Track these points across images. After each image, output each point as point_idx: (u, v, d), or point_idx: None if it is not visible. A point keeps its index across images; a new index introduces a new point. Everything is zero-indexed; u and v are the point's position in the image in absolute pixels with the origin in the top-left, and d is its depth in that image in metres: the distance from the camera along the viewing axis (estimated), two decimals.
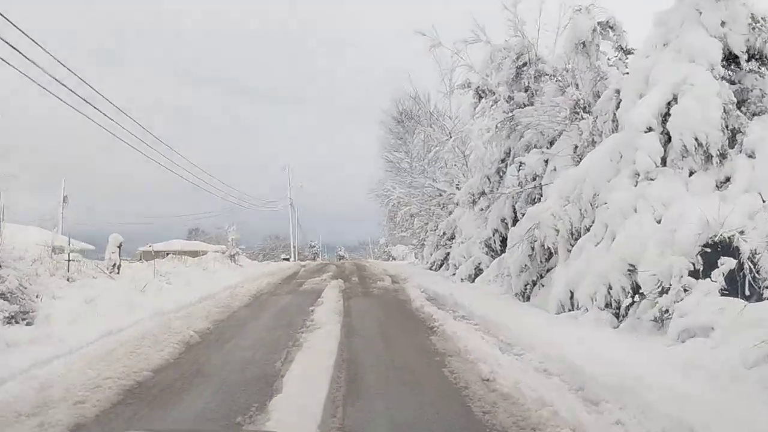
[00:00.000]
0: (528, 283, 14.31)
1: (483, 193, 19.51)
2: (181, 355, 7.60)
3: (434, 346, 8.00)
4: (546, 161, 15.98)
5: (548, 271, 14.36)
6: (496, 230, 18.28)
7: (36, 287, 12.65)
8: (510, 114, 17.76)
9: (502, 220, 18.13)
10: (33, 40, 14.16)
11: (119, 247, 19.12)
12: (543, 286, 14.12)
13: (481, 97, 19.29)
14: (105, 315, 11.49)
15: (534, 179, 16.22)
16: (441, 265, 28.26)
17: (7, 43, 13.17)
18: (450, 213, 26.32)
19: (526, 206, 16.72)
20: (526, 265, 14.20)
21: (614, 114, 12.86)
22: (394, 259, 78.45)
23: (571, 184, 12.76)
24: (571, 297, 11.24)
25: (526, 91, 18.39)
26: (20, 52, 14.06)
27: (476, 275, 18.28)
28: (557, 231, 12.75)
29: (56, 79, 16.50)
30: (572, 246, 12.42)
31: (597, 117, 13.36)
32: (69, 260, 15.93)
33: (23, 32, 13.71)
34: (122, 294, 14.69)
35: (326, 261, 63.49)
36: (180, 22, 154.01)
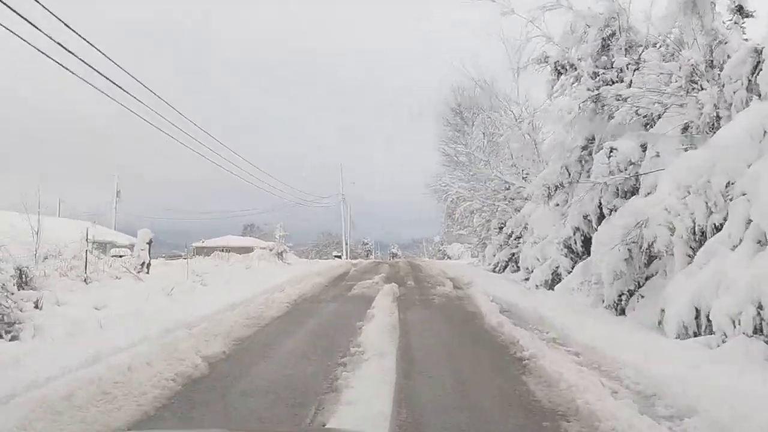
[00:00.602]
0: (623, 294, 11.65)
1: (560, 186, 16.73)
2: (166, 405, 5.26)
3: (533, 396, 5.43)
4: (644, 146, 13.17)
5: (647, 279, 11.67)
6: (578, 229, 15.50)
7: (31, 293, 10.71)
8: (596, 92, 15.00)
9: (585, 217, 15.35)
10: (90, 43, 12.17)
11: (149, 243, 17.16)
12: (642, 297, 11.41)
13: (560, 74, 16.51)
14: (108, 327, 9.37)
15: (627, 168, 13.45)
16: (505, 267, 25.53)
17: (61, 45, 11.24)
18: (517, 209, 23.56)
19: (614, 200, 14.02)
20: (621, 272, 11.51)
21: (749, 80, 10.01)
22: (449, 258, 75.63)
23: (691, 171, 9.92)
24: (697, 316, 8.55)
25: (612, 66, 15.63)
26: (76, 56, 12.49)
27: (554, 281, 15.53)
28: (672, 230, 9.98)
29: (112, 81, 14.74)
30: (694, 250, 9.68)
31: (723, 86, 10.49)
32: (87, 258, 13.95)
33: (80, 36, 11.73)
34: (141, 299, 12.62)
35: (379, 259, 61.19)
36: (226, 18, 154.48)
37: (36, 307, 10.66)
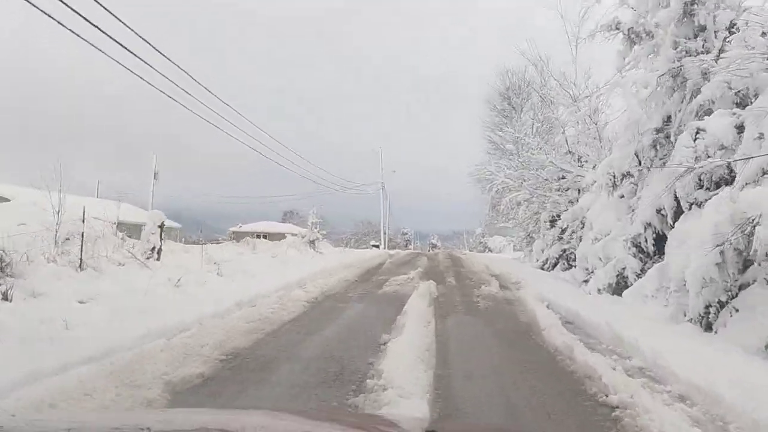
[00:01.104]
0: (710, 305, 9.40)
1: (628, 174, 14.41)
2: None
3: None
4: (739, 127, 10.82)
5: (740, 288, 9.40)
6: (649, 224, 13.22)
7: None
8: (677, 64, 12.64)
9: (659, 211, 13.08)
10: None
11: (161, 227, 15.41)
12: (737, 310, 9.15)
13: (633, 43, 14.14)
14: (76, 328, 7.56)
15: (716, 152, 11.13)
16: (555, 264, 23.14)
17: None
18: (572, 201, 21.19)
19: (696, 192, 11.76)
20: (711, 278, 9.27)
21: None
22: (490, 251, 72.99)
23: None
24: None
25: (696, 35, 13.27)
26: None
27: (619, 284, 13.21)
28: None
29: (150, 66, 13.44)
30: None
31: None
32: (83, 241, 12.19)
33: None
34: (141, 290, 10.84)
35: (418, 250, 58.99)
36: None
37: (5, 298, 8.99)
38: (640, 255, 13.36)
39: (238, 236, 65.74)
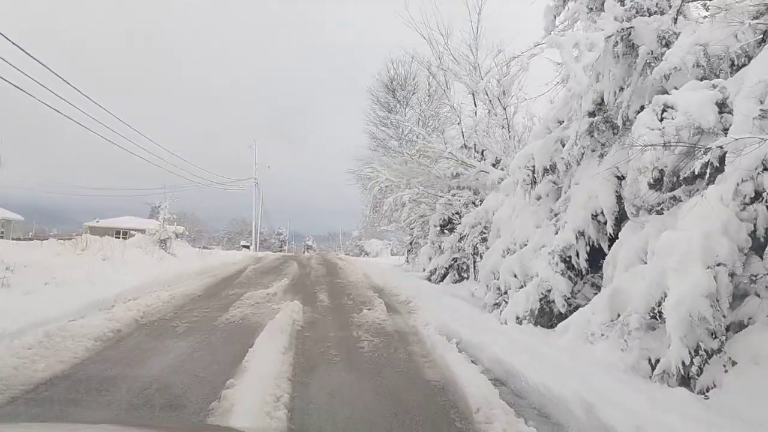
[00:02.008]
0: (696, 354, 6.30)
1: (551, 169, 11.24)
2: None
3: None
4: (722, 103, 7.79)
5: (727, 329, 6.45)
6: (582, 233, 10.11)
7: None
8: (627, 25, 9.58)
9: (595, 217, 10.01)
10: None
11: None
12: (734, 363, 6.13)
13: None
14: None
15: (692, 137, 8.05)
16: (444, 275, 19.92)
17: None
18: (468, 204, 18.04)
19: (654, 193, 8.78)
20: (702, 317, 6.21)
21: None
22: (367, 254, 69.85)
23: None
24: None
25: None
26: None
27: (544, 311, 9.93)
28: None
29: None
30: None
31: None
32: None
33: None
34: None
35: (292, 253, 54.38)
36: None
37: None
38: (570, 273, 10.17)
39: (94, 232, 58.52)
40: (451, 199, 18.75)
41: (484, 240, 15.38)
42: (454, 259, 19.65)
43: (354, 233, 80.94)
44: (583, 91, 9.15)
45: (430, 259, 21.18)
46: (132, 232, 55.06)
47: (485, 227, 14.13)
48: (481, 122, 16.46)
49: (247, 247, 61.20)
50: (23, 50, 16.29)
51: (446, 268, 19.89)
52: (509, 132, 14.28)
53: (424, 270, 21.38)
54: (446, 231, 19.59)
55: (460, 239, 16.57)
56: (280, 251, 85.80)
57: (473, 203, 17.86)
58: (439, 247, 20.46)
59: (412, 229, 24.60)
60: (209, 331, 8.27)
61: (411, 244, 24.75)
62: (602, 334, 8.00)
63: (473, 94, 17.38)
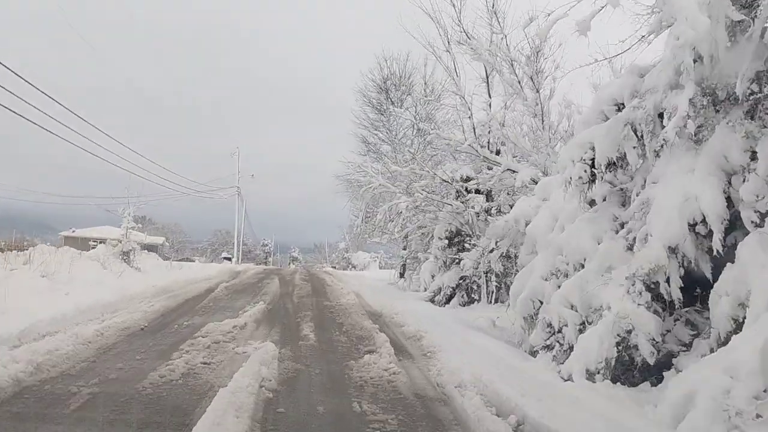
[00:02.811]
0: None
1: (618, 162, 8.22)
2: None
3: None
4: None
5: None
6: (674, 251, 7.23)
7: None
8: None
9: (692, 227, 7.06)
10: None
11: None
12: None
13: None
14: None
15: None
16: (450, 297, 16.84)
17: None
18: (481, 213, 15.00)
19: None
20: None
21: None
22: (354, 267, 66.45)
23: None
24: None
25: None
26: None
27: (624, 364, 6.85)
28: None
29: None
30: None
31: None
32: None
33: None
34: None
35: (275, 266, 50.78)
36: None
37: None
38: (658, 305, 7.14)
39: (70, 242, 54.73)
40: (460, 207, 15.68)
41: (507, 257, 12.30)
42: (462, 277, 16.59)
43: (341, 245, 77.60)
44: (700, 39, 6.10)
45: (432, 276, 18.08)
46: (112, 242, 51.28)
47: (512, 241, 11.06)
48: (497, 114, 13.45)
49: (229, 259, 57.79)
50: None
51: (453, 287, 16.82)
52: (543, 121, 11.27)
53: (425, 289, 18.26)
54: (454, 244, 16.52)
55: (483, 253, 13.45)
56: (264, 264, 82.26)
57: (487, 211, 14.81)
58: (444, 262, 17.37)
59: (408, 241, 21.50)
60: (120, 408, 5.07)
61: (408, 258, 21.58)
62: (759, 416, 4.90)
63: (488, 81, 14.33)
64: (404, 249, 31.07)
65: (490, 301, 16.01)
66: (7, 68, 16.37)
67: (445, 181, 16.13)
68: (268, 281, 21.61)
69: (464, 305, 16.50)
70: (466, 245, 16.22)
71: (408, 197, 20.90)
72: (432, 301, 17.29)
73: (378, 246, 44.49)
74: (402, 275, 30.83)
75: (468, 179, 16.10)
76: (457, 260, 16.48)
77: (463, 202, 15.81)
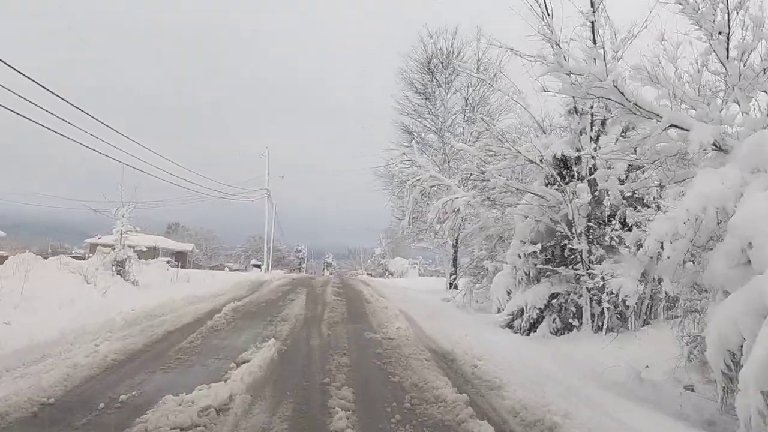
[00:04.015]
0: None
1: None
2: None
3: None
4: None
5: None
6: None
7: None
8: None
9: None
10: None
11: None
12: None
13: None
14: None
15: None
16: (537, 321, 12.16)
17: None
18: (595, 194, 10.31)
19: None
20: None
21: None
22: (391, 274, 61.72)
23: None
24: None
25: None
26: None
27: None
28: None
29: None
30: None
31: None
32: None
33: None
34: None
35: (307, 274, 45.96)
36: None
37: None
38: None
39: (95, 250, 51.34)
40: (557, 197, 10.96)
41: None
42: (553, 295, 11.88)
43: (377, 251, 72.96)
44: None
45: (509, 292, 13.32)
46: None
47: (695, 240, 6.34)
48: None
49: (259, 266, 53.76)
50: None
51: (540, 309, 12.07)
52: (727, 46, 6.55)
53: (498, 310, 13.52)
54: (545, 249, 11.81)
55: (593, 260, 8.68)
56: (298, 270, 78.04)
57: (624, 198, 10.06)
58: (527, 274, 12.63)
59: (468, 246, 16.85)
60: None
61: (469, 267, 16.80)
62: None
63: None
64: (454, 255, 26.38)
65: (597, 329, 11.31)
66: (16, 69, 12.62)
67: (532, 162, 11.40)
68: (292, 297, 17.13)
69: (557, 333, 11.78)
70: (564, 252, 11.51)
71: (467, 192, 16.26)
72: (510, 326, 12.58)
73: (422, 251, 39.91)
74: (453, 286, 26.13)
75: (565, 159, 11.37)
76: (547, 272, 11.76)
77: (559, 189, 11.08)
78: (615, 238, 10.60)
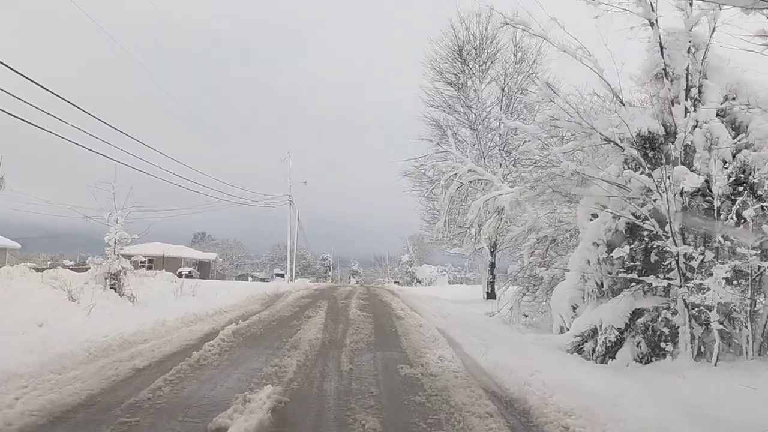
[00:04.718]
0: None
1: None
2: None
3: None
4: None
5: None
6: None
7: None
8: None
9: None
10: None
11: None
12: None
13: None
14: None
15: None
16: (616, 345, 9.48)
17: None
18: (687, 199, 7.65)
19: None
20: None
21: None
22: (419, 282, 59.14)
23: None
24: None
25: None
26: None
27: None
28: None
29: None
30: None
31: None
32: None
33: None
34: None
35: (332, 283, 43.15)
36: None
37: None
38: None
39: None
40: (647, 182, 8.27)
41: None
42: (636, 312, 9.21)
43: (403, 258, 70.22)
44: None
45: (574, 308, 10.62)
46: (160, 259, 46.45)
47: None
48: None
49: (281, 275, 51.57)
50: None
51: (619, 329, 9.36)
52: None
53: (561, 329, 10.82)
54: (633, 252, 9.09)
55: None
56: (324, 278, 75.64)
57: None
58: (599, 284, 9.95)
59: (517, 251, 14.21)
60: None
61: (518, 275, 14.07)
62: None
63: None
64: (491, 261, 23.66)
65: (698, 355, 8.61)
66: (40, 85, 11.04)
67: (610, 141, 8.72)
68: (310, 313, 14.60)
69: (642, 360, 9.06)
70: (650, 256, 8.81)
71: (512, 189, 13.65)
72: (578, 350, 9.90)
73: (451, 258, 37.28)
74: (491, 295, 23.39)
75: (651, 137, 8.67)
76: (628, 282, 9.07)
77: (649, 177, 8.38)
78: (730, 238, 7.88)
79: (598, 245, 9.60)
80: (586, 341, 9.97)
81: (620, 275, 9.53)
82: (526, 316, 14.83)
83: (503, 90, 22.27)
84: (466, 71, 23.15)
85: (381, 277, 74.09)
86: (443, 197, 14.58)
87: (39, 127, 14.41)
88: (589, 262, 10.11)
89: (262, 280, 59.12)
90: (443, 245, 21.94)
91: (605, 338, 9.50)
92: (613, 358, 9.39)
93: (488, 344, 9.90)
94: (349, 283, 64.46)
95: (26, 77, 12.93)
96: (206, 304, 15.15)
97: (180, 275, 49.49)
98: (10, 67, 12.34)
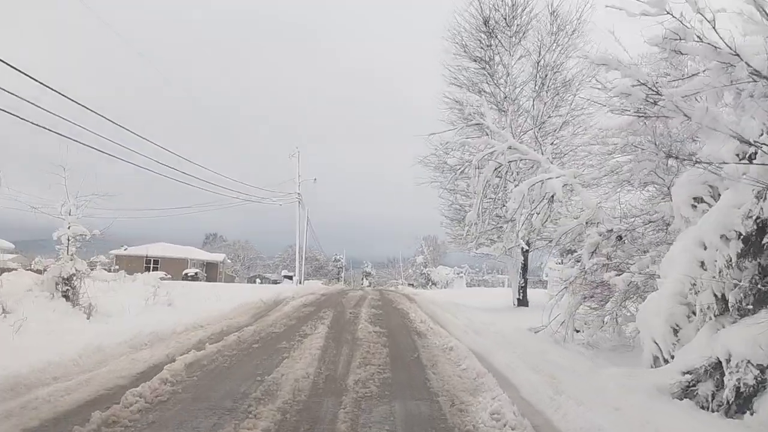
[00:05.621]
0: None
1: None
2: None
3: None
4: None
5: None
6: None
7: None
8: None
9: None
10: None
11: None
12: None
13: None
14: None
15: None
16: (750, 391, 6.09)
17: None
18: None
19: None
20: None
21: None
22: (434, 284, 55.79)
23: None
24: None
25: None
26: None
27: None
28: None
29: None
30: None
31: None
32: None
33: None
34: None
35: (341, 289, 40.00)
36: None
37: None
38: None
39: (120, 262, 46.70)
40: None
41: None
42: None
43: (418, 259, 66.84)
44: None
45: (675, 331, 7.34)
46: (165, 260, 44.31)
47: None
48: None
49: (290, 277, 48.56)
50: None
51: (761, 366, 6.08)
52: None
53: (655, 360, 7.56)
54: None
55: None
56: (337, 280, 72.49)
57: None
58: (720, 297, 6.68)
59: (578, 249, 10.97)
60: None
61: (578, 280, 10.75)
62: None
63: None
64: (524, 262, 20.40)
65: None
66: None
67: (762, 77, 5.49)
68: (307, 330, 11.40)
69: None
70: None
71: (567, 171, 10.47)
72: (688, 394, 6.66)
73: (469, 259, 34.11)
74: (522, 301, 20.13)
75: None
76: None
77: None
78: None
79: (729, 239, 6.33)
80: (701, 381, 6.71)
81: (759, 286, 6.28)
82: (578, 331, 11.64)
83: (537, 63, 19.02)
84: (493, 46, 19.91)
85: (394, 279, 70.86)
86: (477, 180, 11.39)
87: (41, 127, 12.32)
88: (703, 266, 6.85)
89: (274, 281, 56.07)
90: (469, 244, 18.74)
91: (738, 379, 6.23)
92: (749, 409, 6.14)
93: (556, 385, 6.68)
94: (362, 284, 61.29)
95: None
96: (181, 315, 12.06)
97: (185, 277, 46.64)
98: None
